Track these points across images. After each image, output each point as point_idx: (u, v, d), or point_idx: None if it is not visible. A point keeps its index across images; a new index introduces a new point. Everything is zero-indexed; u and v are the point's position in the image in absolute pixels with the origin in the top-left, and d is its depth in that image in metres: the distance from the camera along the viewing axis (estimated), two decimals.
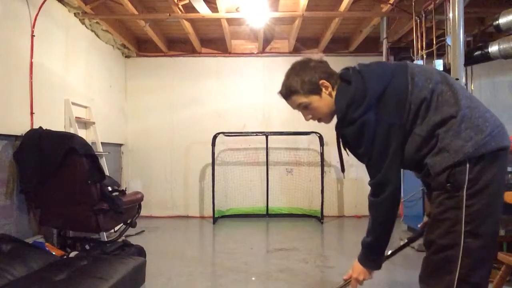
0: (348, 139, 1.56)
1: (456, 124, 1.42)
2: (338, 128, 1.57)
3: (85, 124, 4.76)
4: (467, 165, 1.38)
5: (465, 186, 1.38)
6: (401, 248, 1.85)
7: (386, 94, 1.49)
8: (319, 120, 1.68)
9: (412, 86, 1.49)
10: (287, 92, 1.64)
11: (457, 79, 2.22)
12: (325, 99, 1.60)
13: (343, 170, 1.83)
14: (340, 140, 1.64)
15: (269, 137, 5.98)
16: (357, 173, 6.33)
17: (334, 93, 1.59)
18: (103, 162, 4.72)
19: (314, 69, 1.61)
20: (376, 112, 1.47)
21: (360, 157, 1.56)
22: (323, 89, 1.60)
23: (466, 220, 1.38)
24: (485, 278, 1.43)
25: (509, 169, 3.16)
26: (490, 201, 1.39)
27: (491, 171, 1.39)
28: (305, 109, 1.63)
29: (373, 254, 1.63)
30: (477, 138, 1.40)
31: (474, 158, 1.38)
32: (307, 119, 1.67)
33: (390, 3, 4.61)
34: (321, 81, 1.59)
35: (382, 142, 1.47)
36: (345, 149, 1.64)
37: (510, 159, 1.52)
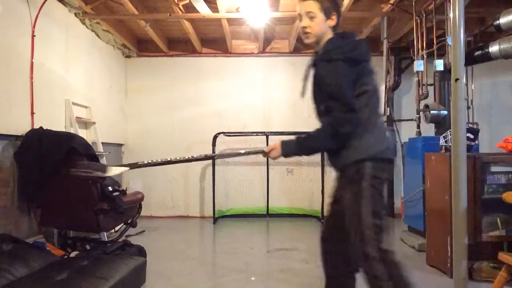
0: (322, 71, 1.82)
1: (371, 128, 1.81)
2: (318, 58, 1.86)
3: (85, 124, 4.76)
4: (368, 163, 1.77)
5: (364, 178, 1.77)
6: None
7: (360, 65, 1.81)
8: (305, 34, 1.89)
9: (371, 75, 1.87)
10: None
11: (457, 79, 2.22)
12: (325, 26, 1.87)
13: (303, 94, 2.00)
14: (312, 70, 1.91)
15: (269, 137, 5.97)
16: None
17: (330, 32, 1.89)
18: (104, 162, 4.73)
19: (338, 5, 1.94)
20: (350, 69, 1.77)
21: (322, 94, 1.83)
22: (330, 20, 1.87)
23: (363, 202, 1.76)
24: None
25: (509, 169, 3.17)
26: (375, 193, 1.78)
27: (382, 172, 1.80)
28: (309, 18, 1.86)
29: (296, 148, 1.87)
30: (381, 145, 1.81)
31: (374, 159, 1.78)
32: (301, 25, 1.89)
33: (390, 3, 4.61)
34: (333, 14, 1.87)
35: (350, 94, 1.77)
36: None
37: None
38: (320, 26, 1.85)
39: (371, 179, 1.76)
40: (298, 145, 1.85)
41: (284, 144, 1.88)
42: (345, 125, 1.74)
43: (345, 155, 1.81)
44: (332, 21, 1.86)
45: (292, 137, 1.88)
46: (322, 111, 1.87)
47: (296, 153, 1.90)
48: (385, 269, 1.71)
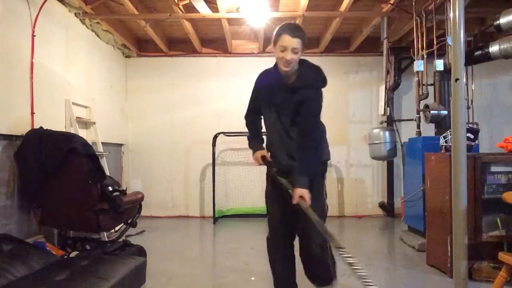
0: (309, 95, 2.24)
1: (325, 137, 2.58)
2: (301, 85, 2.24)
3: (85, 124, 4.76)
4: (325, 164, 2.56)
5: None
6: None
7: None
8: (288, 65, 2.21)
9: None
10: (301, 35, 2.18)
11: (457, 79, 2.22)
12: (299, 57, 2.24)
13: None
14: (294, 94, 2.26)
15: None
16: (357, 173, 6.34)
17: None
18: (104, 162, 4.72)
19: None
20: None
21: (305, 114, 2.25)
22: (303, 52, 2.23)
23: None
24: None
25: (509, 169, 3.17)
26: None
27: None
28: (294, 52, 2.17)
29: (309, 174, 2.25)
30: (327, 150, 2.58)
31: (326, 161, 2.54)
32: (286, 57, 2.18)
33: (390, 3, 4.60)
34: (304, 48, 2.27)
35: (320, 114, 2.32)
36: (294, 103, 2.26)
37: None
38: (298, 58, 2.23)
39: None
40: (311, 170, 2.23)
41: (301, 183, 2.17)
42: (319, 139, 2.35)
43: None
44: (303, 53, 2.24)
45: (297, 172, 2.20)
46: (293, 125, 2.30)
47: (312, 174, 2.25)
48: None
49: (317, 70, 2.30)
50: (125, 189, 4.20)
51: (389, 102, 5.48)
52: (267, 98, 2.40)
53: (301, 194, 2.13)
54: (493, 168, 3.15)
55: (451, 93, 2.29)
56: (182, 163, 6.38)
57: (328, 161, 2.49)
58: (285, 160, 2.32)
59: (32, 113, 3.61)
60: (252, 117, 2.67)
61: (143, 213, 4.19)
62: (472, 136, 3.39)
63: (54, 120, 4.01)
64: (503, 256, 2.45)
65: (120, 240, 3.64)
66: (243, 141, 6.15)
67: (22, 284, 2.19)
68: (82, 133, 4.50)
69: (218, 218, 5.93)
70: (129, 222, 3.81)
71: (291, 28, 2.19)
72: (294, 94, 2.24)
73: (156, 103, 6.38)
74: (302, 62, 2.29)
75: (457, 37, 2.21)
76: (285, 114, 2.30)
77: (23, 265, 2.42)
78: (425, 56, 4.49)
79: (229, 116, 6.26)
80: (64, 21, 4.37)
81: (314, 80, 2.27)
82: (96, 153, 3.48)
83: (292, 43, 2.15)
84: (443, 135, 3.60)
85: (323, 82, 2.29)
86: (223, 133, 5.97)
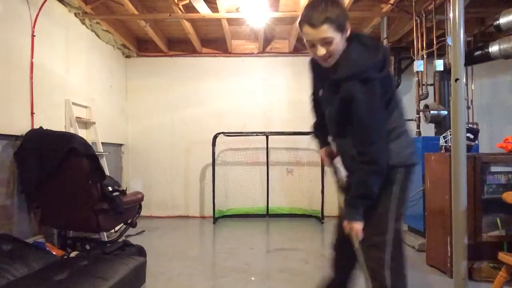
0: (357, 95, 1.53)
1: (397, 135, 1.68)
2: (345, 76, 1.56)
3: (85, 124, 4.76)
4: (399, 169, 1.68)
5: (395, 183, 1.70)
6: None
7: (386, 78, 1.62)
8: (325, 61, 1.61)
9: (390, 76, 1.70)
10: (327, 17, 1.51)
11: (457, 79, 2.22)
12: (343, 40, 1.59)
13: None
14: (337, 95, 1.61)
15: (269, 137, 5.97)
16: None
17: (344, 42, 1.60)
18: (104, 162, 4.72)
19: (344, 9, 1.59)
20: (381, 86, 1.56)
21: (349, 117, 1.58)
22: (345, 31, 1.58)
23: (391, 206, 1.72)
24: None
25: (509, 169, 3.17)
26: (401, 198, 1.73)
27: (409, 177, 1.76)
28: (326, 44, 1.55)
29: (360, 205, 1.66)
30: (407, 150, 1.72)
31: (404, 165, 1.72)
32: (318, 54, 1.58)
33: (390, 3, 4.61)
34: (347, 24, 1.57)
35: (379, 117, 1.58)
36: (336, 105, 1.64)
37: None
38: (339, 46, 1.57)
39: (401, 184, 1.66)
40: (359, 203, 1.64)
41: (352, 216, 1.66)
42: (381, 157, 1.58)
43: None
44: (347, 32, 1.58)
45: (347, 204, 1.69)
46: (342, 132, 1.69)
47: (362, 207, 1.64)
48: (391, 276, 1.60)
49: (372, 51, 1.59)
50: (125, 189, 4.20)
51: None
52: (316, 93, 1.83)
53: (351, 230, 1.65)
54: (493, 168, 3.15)
55: (451, 93, 2.29)
56: (182, 163, 6.38)
57: (400, 167, 1.68)
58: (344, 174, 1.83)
59: (32, 113, 3.61)
60: (319, 118, 1.94)
61: (143, 213, 4.19)
62: (472, 136, 3.39)
63: (54, 120, 4.01)
64: (503, 256, 2.45)
65: (120, 240, 3.63)
66: (243, 141, 6.22)
67: (22, 284, 2.19)
68: (82, 133, 4.51)
69: (218, 218, 5.93)
70: (129, 222, 3.81)
71: (311, 15, 1.54)
72: (339, 88, 1.59)
73: (156, 103, 6.38)
74: (353, 39, 1.62)
75: (457, 37, 2.21)
76: (331, 117, 1.72)
77: (23, 265, 2.41)
78: (425, 56, 4.50)
79: (229, 116, 6.27)
80: (64, 21, 4.37)
81: (361, 67, 1.55)
82: (96, 153, 3.48)
83: (317, 34, 1.54)
84: (443, 135, 3.60)
85: (374, 69, 1.55)
86: (223, 133, 5.97)
